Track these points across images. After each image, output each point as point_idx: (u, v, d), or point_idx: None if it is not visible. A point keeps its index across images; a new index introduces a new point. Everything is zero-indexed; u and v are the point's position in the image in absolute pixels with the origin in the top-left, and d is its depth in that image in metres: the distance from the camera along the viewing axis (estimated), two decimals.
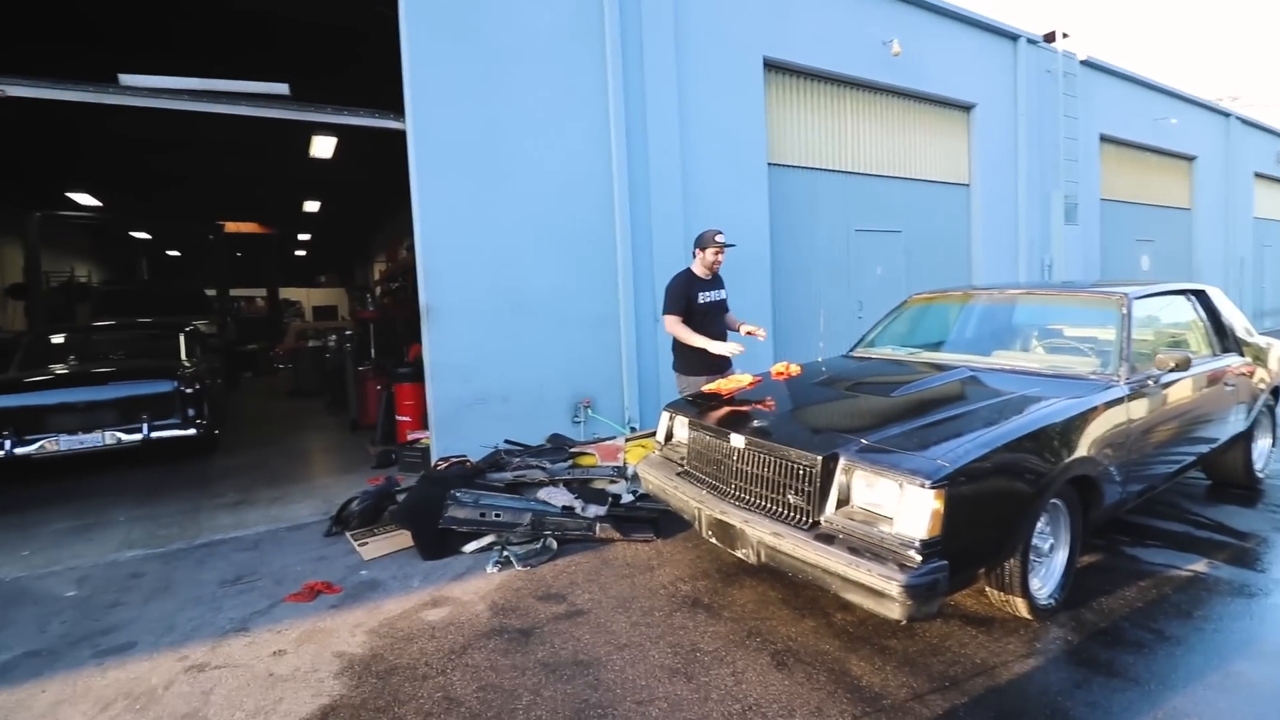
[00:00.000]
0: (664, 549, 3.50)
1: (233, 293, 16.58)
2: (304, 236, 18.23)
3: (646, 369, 5.72)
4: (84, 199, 11.36)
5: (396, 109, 4.90)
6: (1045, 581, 2.65)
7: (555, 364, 5.40)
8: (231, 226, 14.55)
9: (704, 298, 4.00)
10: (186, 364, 6.26)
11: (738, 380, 3.50)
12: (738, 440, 2.80)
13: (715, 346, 3.81)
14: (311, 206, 13.73)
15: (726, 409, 3.17)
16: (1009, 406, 2.65)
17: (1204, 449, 3.57)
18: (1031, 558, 2.54)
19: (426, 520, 3.58)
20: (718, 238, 4.00)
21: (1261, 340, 4.26)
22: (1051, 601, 2.63)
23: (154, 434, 5.45)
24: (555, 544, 3.49)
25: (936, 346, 3.93)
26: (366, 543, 3.70)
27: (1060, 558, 2.70)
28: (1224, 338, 3.86)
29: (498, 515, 3.59)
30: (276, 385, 11.81)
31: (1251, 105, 13.06)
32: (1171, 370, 3.01)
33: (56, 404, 5.30)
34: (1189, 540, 3.39)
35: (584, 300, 5.52)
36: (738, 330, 4.17)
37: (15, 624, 2.96)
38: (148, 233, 14.76)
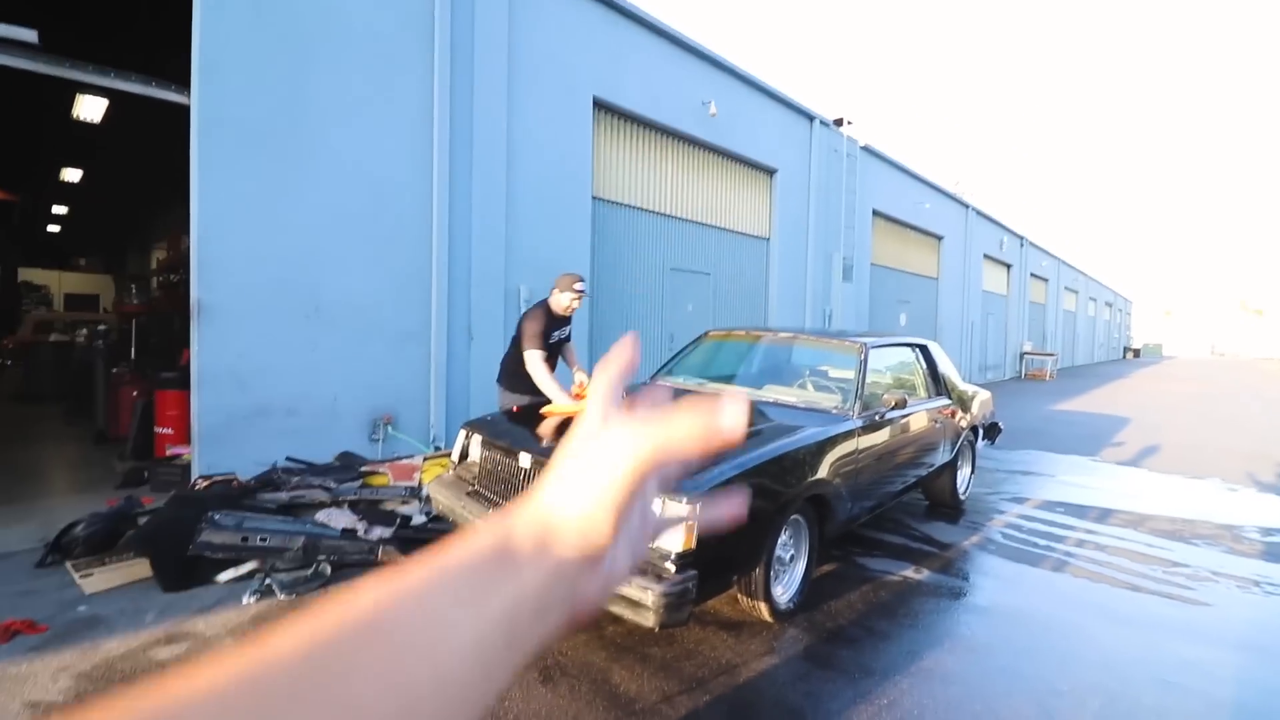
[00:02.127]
0: None
1: None
2: (60, 210, 15.13)
3: (456, 387, 5.59)
4: None
5: (184, 80, 4.37)
6: (787, 588, 3.04)
7: (354, 376, 5.07)
8: None
9: (556, 335, 3.92)
10: None
11: (571, 408, 3.43)
12: (525, 460, 2.87)
13: (558, 403, 3.59)
14: (72, 175, 11.49)
15: (520, 428, 3.23)
16: (766, 434, 3.03)
17: (920, 473, 4.34)
18: (775, 567, 2.90)
19: (172, 546, 3.14)
20: (576, 285, 3.85)
21: (969, 388, 5.30)
22: (791, 606, 3.02)
23: None
24: (330, 570, 3.26)
25: (723, 378, 4.36)
26: (91, 573, 3.14)
27: (800, 567, 3.11)
28: (939, 384, 4.74)
29: (263, 539, 3.26)
30: (3, 386, 9.61)
31: (969, 195, 16.53)
32: (893, 408, 3.66)
33: None
34: (905, 550, 4.07)
35: (392, 311, 5.28)
36: (573, 370, 4.11)
37: None
38: None
